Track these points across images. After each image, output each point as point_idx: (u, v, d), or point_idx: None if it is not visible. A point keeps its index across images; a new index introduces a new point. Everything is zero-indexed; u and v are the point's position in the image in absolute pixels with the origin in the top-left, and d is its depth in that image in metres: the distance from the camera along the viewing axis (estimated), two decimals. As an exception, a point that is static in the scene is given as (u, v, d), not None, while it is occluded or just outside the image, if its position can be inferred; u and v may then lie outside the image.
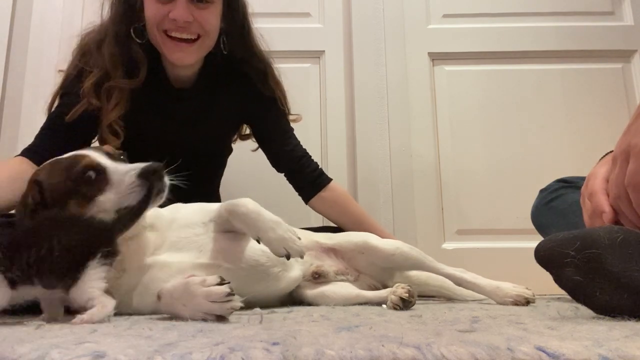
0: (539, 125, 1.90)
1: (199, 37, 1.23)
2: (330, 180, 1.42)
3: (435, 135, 1.90)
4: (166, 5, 1.18)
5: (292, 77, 1.93)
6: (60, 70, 1.37)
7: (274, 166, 1.46)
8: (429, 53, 1.95)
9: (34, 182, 0.87)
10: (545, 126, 1.90)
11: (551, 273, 0.66)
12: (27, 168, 1.12)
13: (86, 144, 1.25)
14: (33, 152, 1.19)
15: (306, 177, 1.41)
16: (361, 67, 1.93)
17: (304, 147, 1.46)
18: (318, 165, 1.44)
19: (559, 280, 0.65)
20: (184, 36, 1.21)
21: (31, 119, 1.82)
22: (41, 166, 0.92)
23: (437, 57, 1.96)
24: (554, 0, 2.00)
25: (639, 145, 0.67)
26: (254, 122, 1.47)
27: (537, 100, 1.93)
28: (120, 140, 1.21)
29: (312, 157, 1.45)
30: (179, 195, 1.39)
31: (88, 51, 1.25)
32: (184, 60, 1.25)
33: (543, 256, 0.67)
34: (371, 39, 1.95)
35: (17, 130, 1.82)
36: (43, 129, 1.25)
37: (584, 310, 0.66)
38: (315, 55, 1.96)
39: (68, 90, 1.24)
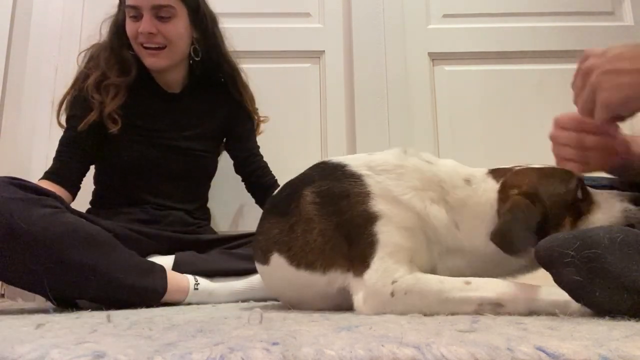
0: (539, 125, 1.89)
1: (165, 46, 1.44)
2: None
3: (435, 135, 1.90)
4: (137, 23, 1.42)
5: (292, 77, 1.95)
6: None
7: (237, 169, 1.63)
8: (429, 53, 1.95)
9: (532, 194, 0.78)
10: (546, 126, 1.90)
11: (551, 273, 0.66)
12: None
13: (94, 159, 1.47)
14: (57, 175, 1.37)
15: (266, 182, 1.59)
16: (361, 67, 1.92)
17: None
18: (274, 176, 1.62)
19: (558, 280, 0.66)
20: (152, 45, 1.43)
21: (31, 119, 1.82)
22: (518, 173, 0.84)
23: (437, 57, 1.96)
24: (554, 0, 2.00)
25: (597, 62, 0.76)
26: (232, 126, 1.61)
27: (537, 100, 1.92)
28: (118, 126, 1.39)
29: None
30: (170, 195, 1.48)
31: (90, 58, 1.48)
32: (157, 65, 1.47)
33: (543, 256, 0.67)
34: (371, 39, 1.94)
35: (17, 130, 1.82)
36: (59, 152, 1.41)
37: (584, 310, 0.66)
38: (315, 55, 1.96)
39: (74, 113, 1.43)
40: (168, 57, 1.46)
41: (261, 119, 1.67)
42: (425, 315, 0.72)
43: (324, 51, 1.95)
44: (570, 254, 0.63)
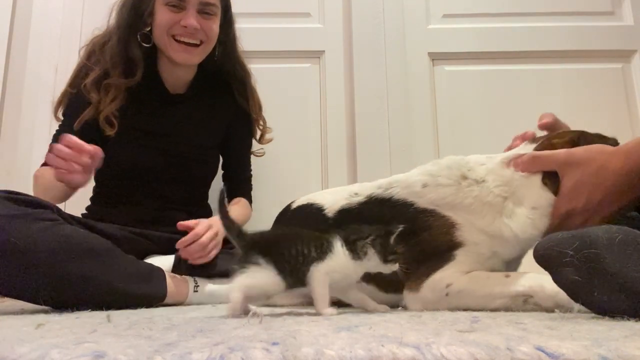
0: (539, 125, 1.90)
1: (201, 42, 1.41)
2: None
3: (435, 135, 1.90)
4: (178, 14, 1.36)
5: (292, 77, 1.95)
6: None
7: (224, 170, 1.63)
8: (429, 53, 1.95)
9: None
10: (545, 126, 1.90)
11: (550, 273, 0.66)
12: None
13: None
14: None
15: (239, 191, 1.59)
16: (361, 67, 1.92)
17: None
18: (251, 189, 1.63)
19: (557, 280, 0.66)
20: (191, 41, 1.39)
21: (31, 119, 1.82)
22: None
23: (437, 57, 1.96)
24: (554, 0, 2.00)
25: (577, 207, 0.85)
26: (230, 135, 1.59)
27: (537, 100, 1.92)
28: (115, 130, 1.35)
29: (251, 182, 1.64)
30: (170, 196, 1.46)
31: (93, 52, 1.42)
32: (190, 61, 1.43)
33: (542, 256, 0.67)
34: (371, 39, 1.94)
35: (17, 130, 1.82)
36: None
37: (584, 310, 0.66)
38: (315, 55, 1.96)
39: (71, 112, 1.38)
40: (201, 54, 1.43)
41: (267, 132, 1.64)
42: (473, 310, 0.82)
43: (324, 51, 1.95)
44: (569, 253, 0.63)
